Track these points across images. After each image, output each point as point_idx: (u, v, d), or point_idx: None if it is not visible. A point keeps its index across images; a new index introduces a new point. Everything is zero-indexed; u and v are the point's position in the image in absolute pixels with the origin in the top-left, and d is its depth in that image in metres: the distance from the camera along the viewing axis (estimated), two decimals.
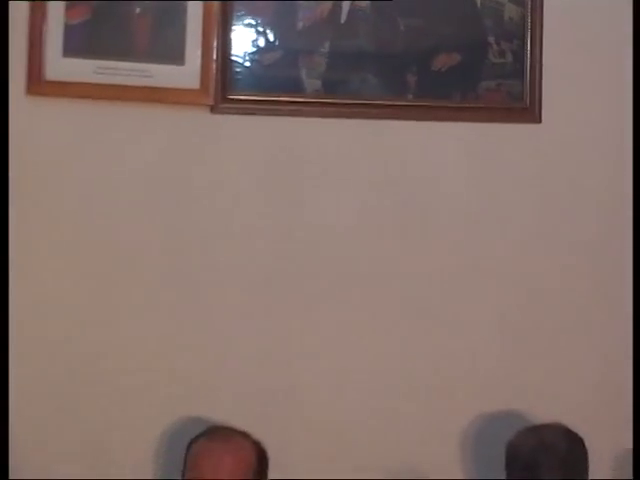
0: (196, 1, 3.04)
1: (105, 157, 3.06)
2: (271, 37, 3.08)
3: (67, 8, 2.97)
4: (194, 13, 3.04)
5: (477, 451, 3.15)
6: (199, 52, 3.00)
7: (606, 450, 3.17)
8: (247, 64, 3.06)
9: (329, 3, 3.14)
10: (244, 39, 3.07)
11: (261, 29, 3.09)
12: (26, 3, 2.98)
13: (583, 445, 2.89)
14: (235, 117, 3.09)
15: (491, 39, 3.14)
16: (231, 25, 3.04)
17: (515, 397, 3.12)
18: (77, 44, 2.92)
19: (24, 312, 2.97)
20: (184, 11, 3.04)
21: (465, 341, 3.23)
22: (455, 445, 3.17)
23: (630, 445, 3.01)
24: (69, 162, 3.06)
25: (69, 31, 2.93)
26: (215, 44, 3.01)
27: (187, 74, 3.01)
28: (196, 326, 3.11)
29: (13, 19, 2.91)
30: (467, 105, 3.20)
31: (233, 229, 3.13)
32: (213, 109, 3.02)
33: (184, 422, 3.05)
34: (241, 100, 3.06)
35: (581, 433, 2.90)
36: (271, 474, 2.82)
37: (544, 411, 3.01)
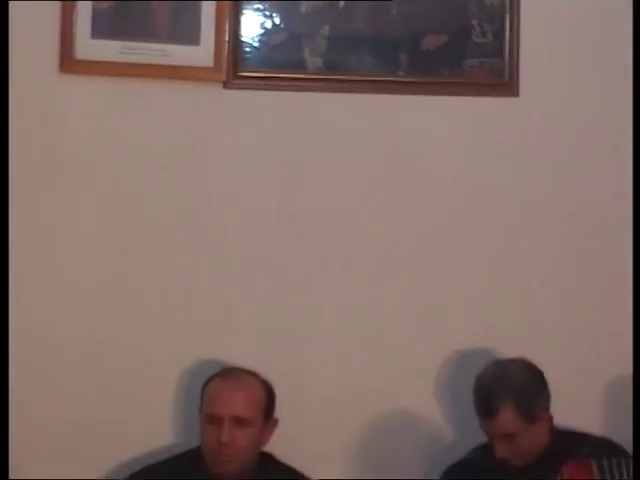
0: None
1: (128, 129, 3.29)
2: (277, 20, 3.30)
3: None
4: None
5: (457, 388, 3.36)
6: (213, 34, 3.23)
7: (585, 388, 3.39)
8: (256, 44, 3.28)
9: None
10: (253, 22, 3.29)
11: (268, 13, 3.30)
12: None
13: (541, 378, 3.09)
14: (245, 92, 3.32)
15: (474, 21, 3.35)
16: (241, 10, 3.27)
17: (498, 340, 3.32)
18: (104, 27, 3.15)
19: (47, 261, 3.21)
20: None
21: (453, 292, 3.44)
22: (442, 382, 3.40)
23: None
24: (96, 134, 3.29)
25: (97, 15, 3.16)
26: (227, 26, 3.23)
27: (202, 53, 3.24)
28: (211, 278, 3.33)
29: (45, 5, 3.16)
30: (453, 81, 3.41)
31: (245, 192, 3.35)
32: (225, 85, 3.25)
33: (200, 364, 3.29)
34: (250, 77, 3.29)
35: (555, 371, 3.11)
36: (278, 409, 3.06)
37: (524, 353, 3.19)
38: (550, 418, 3.17)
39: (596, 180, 3.48)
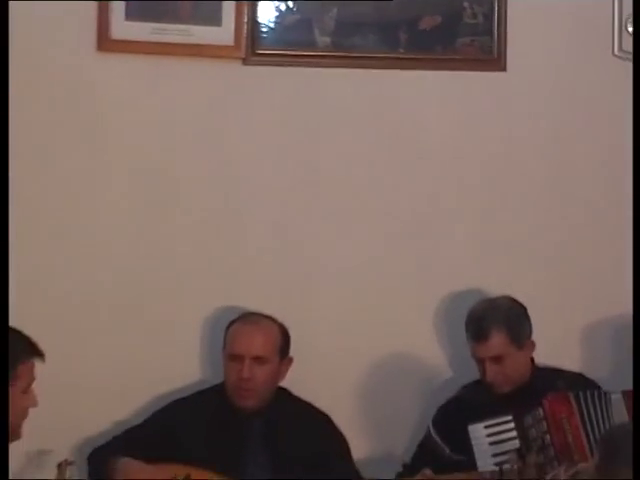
0: None
1: (157, 102, 3.62)
2: (290, 4, 3.62)
3: None
4: None
5: (451, 325, 3.68)
6: (233, 15, 3.54)
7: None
8: (271, 25, 3.60)
9: None
10: (269, 5, 3.61)
11: None
12: None
13: (525, 311, 3.42)
14: (262, 68, 3.65)
15: (466, 4, 3.67)
16: None
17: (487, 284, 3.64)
18: (136, 10, 3.47)
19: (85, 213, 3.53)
20: None
21: (446, 242, 3.77)
22: (438, 320, 3.74)
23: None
24: (128, 106, 3.61)
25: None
26: (246, 9, 3.55)
27: (223, 33, 3.55)
28: (232, 236, 3.67)
29: None
30: (447, 57, 3.72)
31: (261, 156, 3.69)
32: (244, 61, 3.58)
33: (222, 310, 3.62)
34: (267, 54, 3.62)
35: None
36: (292, 349, 3.40)
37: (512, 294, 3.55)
38: (533, 346, 3.44)
39: (574, 143, 3.77)
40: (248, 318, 3.55)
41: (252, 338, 3.51)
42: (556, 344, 3.75)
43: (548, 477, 3.09)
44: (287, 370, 3.52)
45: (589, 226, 3.85)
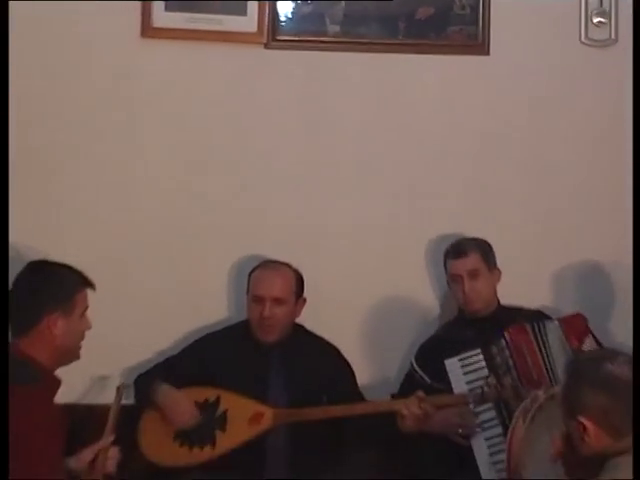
0: None
1: (191, 80, 4.02)
2: None
3: None
4: None
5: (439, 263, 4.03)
6: (256, 7, 3.97)
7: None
8: (289, 15, 4.02)
9: None
10: None
11: None
12: None
13: (491, 247, 3.86)
14: (280, 51, 4.05)
15: None
16: None
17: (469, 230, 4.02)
18: (174, 2, 3.90)
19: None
20: None
21: (437, 199, 4.13)
22: (429, 260, 4.11)
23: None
24: (168, 82, 4.02)
25: None
26: (267, 2, 3.94)
27: (248, 22, 3.97)
28: (255, 195, 4.07)
29: None
30: (439, 43, 4.08)
31: (279, 126, 4.07)
32: (266, 46, 3.99)
33: (246, 259, 4.02)
34: (285, 40, 4.02)
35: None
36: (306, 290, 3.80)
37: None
38: (499, 274, 3.88)
39: (549, 114, 4.15)
40: (268, 265, 3.93)
41: (272, 282, 3.88)
42: (525, 283, 4.09)
43: (528, 398, 3.32)
44: (302, 309, 3.91)
45: (564, 186, 4.16)
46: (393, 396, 3.99)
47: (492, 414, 3.70)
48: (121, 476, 3.33)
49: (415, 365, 3.97)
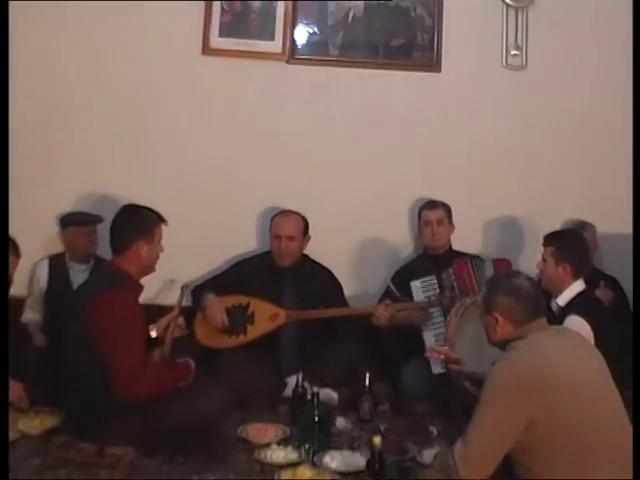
0: (281, 1, 4.85)
1: (236, 85, 4.98)
2: (315, 29, 4.99)
3: (222, 12, 4.82)
4: (280, 13, 4.91)
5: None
6: (281, 35, 4.94)
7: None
8: (304, 41, 4.98)
9: (343, 11, 4.90)
10: (302, 30, 4.96)
11: (310, 25, 4.98)
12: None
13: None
14: (297, 66, 5.00)
15: (418, 33, 5.02)
16: (296, 21, 4.89)
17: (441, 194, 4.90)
18: (225, 30, 4.87)
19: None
20: (274, 11, 4.88)
21: (408, 171, 5.07)
22: (410, 216, 4.99)
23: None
24: (221, 89, 4.96)
25: (222, 24, 4.87)
26: (289, 31, 4.94)
27: (275, 45, 4.97)
28: (277, 162, 5.03)
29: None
30: (407, 63, 5.00)
31: (297, 113, 5.02)
32: (287, 62, 4.96)
33: (269, 209, 4.97)
34: (301, 58, 4.99)
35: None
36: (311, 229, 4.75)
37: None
38: (453, 227, 4.80)
39: (479, 114, 5.08)
40: (284, 213, 4.84)
41: (287, 225, 4.78)
42: (473, 232, 5.03)
43: (459, 303, 4.13)
44: (307, 244, 4.82)
45: (492, 165, 5.10)
46: None
47: (440, 318, 4.51)
48: (184, 355, 3.99)
49: (391, 284, 4.81)
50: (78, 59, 5.00)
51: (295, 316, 4.68)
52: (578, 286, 4.06)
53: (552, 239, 4.15)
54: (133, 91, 4.99)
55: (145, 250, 3.81)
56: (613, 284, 4.88)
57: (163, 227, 3.92)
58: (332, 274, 4.89)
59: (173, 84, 4.97)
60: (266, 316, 4.67)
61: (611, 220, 5.02)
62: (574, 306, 3.95)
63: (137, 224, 3.85)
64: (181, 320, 4.10)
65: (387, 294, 4.83)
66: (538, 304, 3.11)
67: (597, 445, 2.85)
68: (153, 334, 3.83)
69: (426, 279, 4.65)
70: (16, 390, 4.05)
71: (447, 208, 4.89)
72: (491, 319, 3.08)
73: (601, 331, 3.75)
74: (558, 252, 4.06)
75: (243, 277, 4.78)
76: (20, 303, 4.84)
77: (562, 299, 4.03)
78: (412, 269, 4.83)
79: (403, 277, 4.81)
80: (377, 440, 3.31)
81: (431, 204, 4.87)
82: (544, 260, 4.08)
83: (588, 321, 3.77)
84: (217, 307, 4.64)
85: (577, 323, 3.70)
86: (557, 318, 3.60)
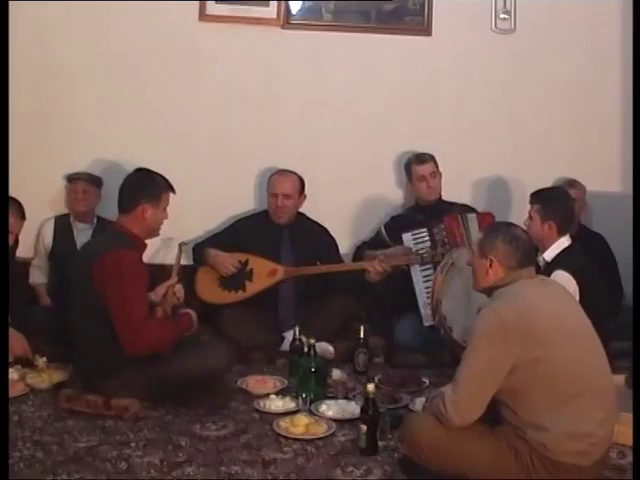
0: None
1: (232, 49, 5.04)
2: None
3: None
4: None
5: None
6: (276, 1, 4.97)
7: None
8: (298, 7, 5.07)
9: None
10: None
11: None
12: None
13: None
14: (291, 31, 5.08)
15: None
16: None
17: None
18: None
19: None
20: None
21: (426, 123, 5.18)
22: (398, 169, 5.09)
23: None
24: (217, 53, 5.02)
25: None
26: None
27: (270, 11, 5.04)
28: (275, 122, 5.11)
29: None
30: (398, 27, 5.09)
31: (292, 74, 5.07)
32: (282, 27, 5.04)
33: (267, 168, 5.07)
34: (295, 23, 5.07)
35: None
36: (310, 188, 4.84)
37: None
38: (441, 177, 4.87)
39: (470, 76, 5.17)
40: (281, 172, 4.94)
41: (283, 183, 4.88)
42: (462, 192, 5.12)
43: (444, 260, 4.28)
44: (303, 202, 4.93)
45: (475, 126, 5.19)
46: (360, 246, 4.99)
47: (431, 271, 4.62)
48: (184, 308, 4.12)
49: (383, 230, 4.94)
50: (78, 27, 5.03)
51: (292, 272, 4.78)
52: (564, 242, 4.15)
53: (538, 197, 4.24)
54: (131, 57, 5.06)
55: (149, 213, 3.88)
56: (600, 241, 4.97)
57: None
58: (328, 232, 5.00)
59: (171, 50, 5.04)
60: (264, 272, 4.78)
61: (599, 179, 5.09)
62: (560, 261, 4.03)
63: (145, 187, 3.92)
64: (179, 287, 4.17)
65: (377, 238, 4.98)
66: (531, 253, 3.22)
67: (580, 392, 2.95)
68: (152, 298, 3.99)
69: (417, 232, 4.75)
70: (19, 342, 4.19)
71: (434, 159, 4.98)
72: (485, 262, 3.16)
73: (586, 286, 3.84)
74: (543, 210, 4.16)
75: (242, 235, 4.90)
76: (27, 265, 4.94)
77: (548, 255, 4.12)
78: (404, 220, 4.95)
79: (395, 227, 4.93)
80: (371, 387, 3.44)
81: (421, 158, 4.96)
82: (530, 218, 4.18)
83: (573, 276, 3.86)
84: (225, 256, 4.77)
85: (563, 278, 3.78)
86: (544, 273, 3.66)
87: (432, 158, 4.96)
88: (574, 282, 3.83)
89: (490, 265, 3.15)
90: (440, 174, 4.96)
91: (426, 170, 4.90)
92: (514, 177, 5.22)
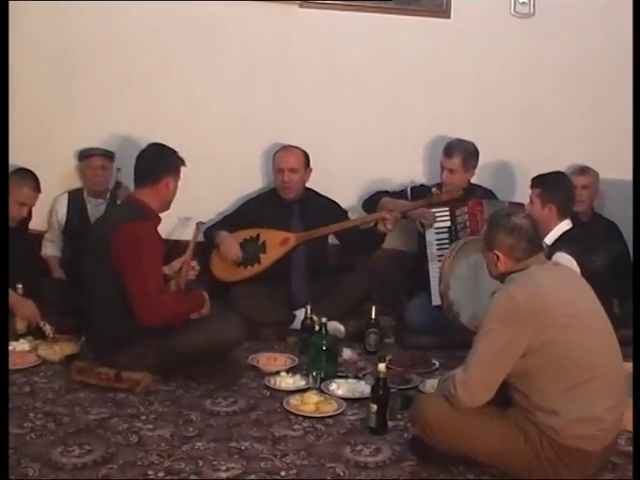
0: None
1: (257, 24, 5.05)
2: None
3: None
4: None
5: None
6: None
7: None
8: None
9: None
10: None
11: None
12: None
13: (477, 152, 4.79)
14: (310, 9, 5.09)
15: None
16: None
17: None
18: None
19: None
20: None
21: (442, 106, 5.17)
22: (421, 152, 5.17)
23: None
24: (242, 29, 5.07)
25: None
26: None
27: None
28: (286, 98, 5.13)
29: None
30: (417, 9, 5.09)
31: (309, 51, 5.10)
32: (300, 6, 5.08)
33: (273, 145, 5.08)
34: (313, 2, 5.08)
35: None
36: (316, 165, 4.86)
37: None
38: (474, 173, 4.81)
39: (489, 57, 5.14)
40: (285, 147, 4.98)
41: (288, 158, 4.92)
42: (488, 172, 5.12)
43: (454, 244, 4.19)
44: (309, 176, 4.94)
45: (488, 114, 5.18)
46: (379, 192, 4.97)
47: (445, 234, 4.70)
48: (199, 288, 4.20)
49: (408, 189, 4.98)
50: (96, 0, 5.01)
51: (304, 237, 4.86)
52: (565, 225, 4.22)
53: (538, 181, 4.31)
54: (150, 33, 5.07)
55: (172, 186, 3.96)
56: (612, 228, 4.95)
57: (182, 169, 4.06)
58: (338, 205, 5.05)
59: (189, 27, 5.06)
60: (277, 242, 4.86)
61: (613, 166, 5.07)
62: (560, 244, 4.08)
63: (169, 160, 3.99)
64: (194, 263, 4.20)
65: (400, 194, 5.02)
66: (536, 240, 3.20)
67: (591, 377, 2.95)
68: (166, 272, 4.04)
69: (440, 210, 4.77)
70: (28, 307, 4.27)
71: (468, 152, 4.89)
72: (492, 256, 3.17)
73: (586, 268, 3.83)
74: (544, 194, 4.23)
75: (252, 213, 4.98)
76: (40, 238, 4.99)
77: (549, 238, 4.16)
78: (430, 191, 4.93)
79: (421, 192, 4.96)
80: (382, 367, 3.46)
81: (448, 151, 4.88)
82: (531, 202, 4.23)
83: (574, 258, 3.90)
84: (231, 242, 4.82)
85: (564, 260, 3.81)
86: (545, 256, 3.65)
87: (461, 152, 4.85)
88: (575, 263, 3.86)
89: (497, 258, 3.15)
90: (471, 170, 4.91)
91: (447, 164, 4.85)
92: (527, 160, 5.17)
